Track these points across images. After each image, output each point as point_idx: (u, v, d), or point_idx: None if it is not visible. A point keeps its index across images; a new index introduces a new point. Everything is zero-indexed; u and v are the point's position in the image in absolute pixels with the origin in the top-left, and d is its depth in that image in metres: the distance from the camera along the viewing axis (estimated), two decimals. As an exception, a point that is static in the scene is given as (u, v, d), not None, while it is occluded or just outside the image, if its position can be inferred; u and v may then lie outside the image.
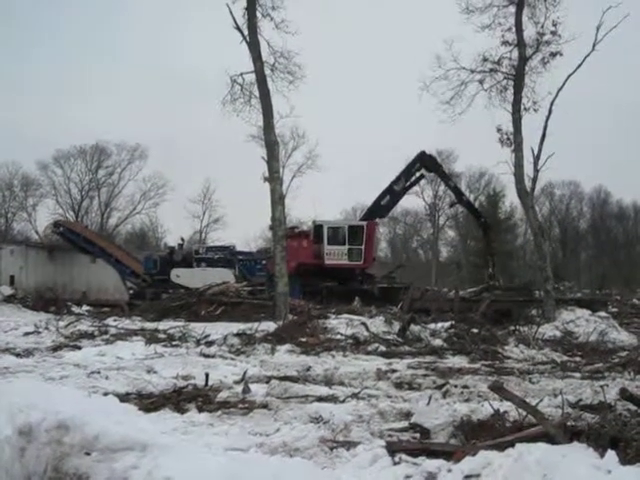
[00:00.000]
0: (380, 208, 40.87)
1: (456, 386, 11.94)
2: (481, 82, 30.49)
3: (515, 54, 29.83)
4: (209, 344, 19.35)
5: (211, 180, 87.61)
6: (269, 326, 22.62)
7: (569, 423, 7.57)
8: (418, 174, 41.08)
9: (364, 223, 40.16)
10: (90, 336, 21.07)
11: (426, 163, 40.54)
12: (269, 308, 29.28)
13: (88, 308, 37.27)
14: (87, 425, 5.98)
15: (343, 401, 10.54)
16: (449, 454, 6.94)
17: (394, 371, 14.72)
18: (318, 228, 40.57)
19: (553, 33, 29.45)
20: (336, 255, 39.47)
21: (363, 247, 39.77)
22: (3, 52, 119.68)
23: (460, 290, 33.11)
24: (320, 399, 10.66)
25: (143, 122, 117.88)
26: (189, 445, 6.88)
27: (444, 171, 42.68)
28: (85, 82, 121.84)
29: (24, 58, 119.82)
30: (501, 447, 6.61)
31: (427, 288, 44.62)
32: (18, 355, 16.32)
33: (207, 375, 12.00)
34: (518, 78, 29.40)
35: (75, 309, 36.06)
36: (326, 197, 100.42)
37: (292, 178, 77.39)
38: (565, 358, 17.82)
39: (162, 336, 20.94)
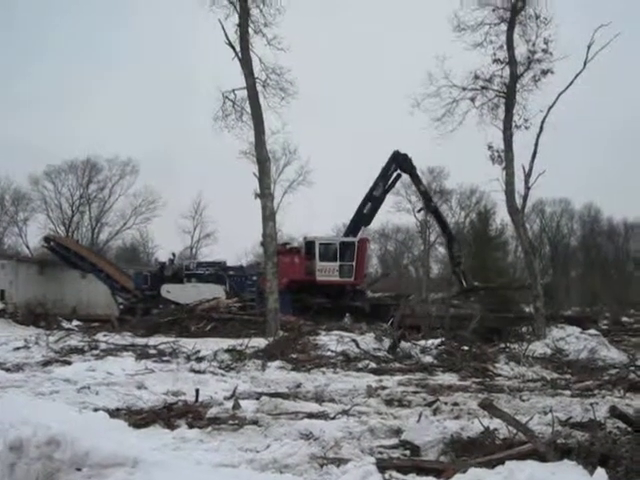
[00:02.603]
0: (363, 216, 40.83)
1: (446, 403, 11.94)
2: (472, 99, 30.58)
3: (506, 72, 29.94)
4: (199, 360, 19.31)
5: (202, 195, 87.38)
6: (260, 342, 22.62)
7: (559, 441, 7.59)
8: (395, 175, 41.08)
9: (355, 239, 40.14)
10: (80, 351, 21.02)
11: (400, 163, 40.45)
12: (260, 324, 29.28)
13: (78, 323, 37.16)
14: (78, 441, 5.98)
15: (333, 418, 10.52)
16: (439, 471, 6.95)
17: (384, 388, 14.73)
18: (309, 244, 40.55)
19: (544, 51, 29.58)
20: (328, 271, 39.44)
21: (354, 263, 39.75)
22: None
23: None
24: (310, 416, 10.64)
25: (134, 137, 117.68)
26: (179, 461, 6.88)
27: (417, 173, 42.09)
28: (77, 97, 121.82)
29: (15, 74, 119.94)
30: (491, 464, 6.63)
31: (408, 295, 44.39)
32: (8, 370, 16.26)
33: (197, 391, 12.00)
34: (509, 96, 29.50)
35: (65, 324, 35.96)
36: (318, 213, 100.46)
37: (283, 194, 77.14)
38: (555, 376, 17.84)
39: (152, 352, 20.90)
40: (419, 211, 47.43)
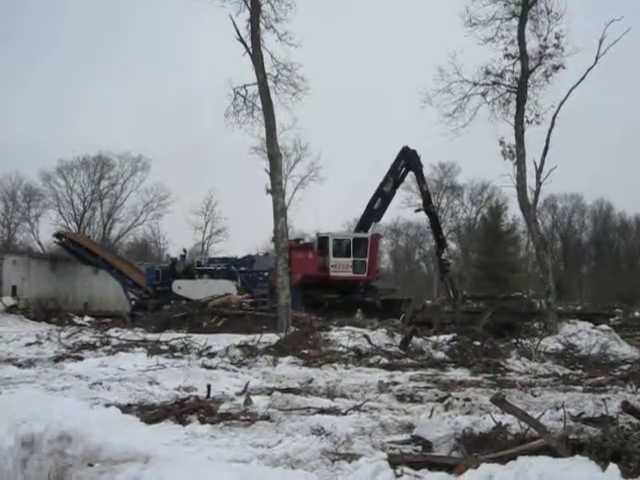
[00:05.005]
0: (374, 212, 40.84)
1: (458, 399, 11.90)
2: (484, 95, 30.45)
3: (518, 67, 29.81)
4: (211, 356, 19.35)
5: (213, 191, 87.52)
6: (271, 338, 22.62)
7: (571, 436, 7.55)
8: (404, 170, 41.09)
9: (368, 235, 40.16)
10: (92, 347, 21.07)
11: (409, 159, 40.67)
12: (271, 320, 29.29)
13: (90, 319, 37.43)
14: (90, 436, 5.99)
15: (345, 413, 10.51)
16: (451, 467, 6.92)
17: (396, 383, 14.71)
18: (323, 240, 40.58)
19: (556, 46, 29.44)
20: (341, 267, 39.49)
21: (367, 259, 39.78)
22: (6, 63, 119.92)
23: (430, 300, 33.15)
24: (322, 411, 10.62)
25: (146, 133, 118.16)
26: (191, 457, 6.89)
27: (423, 172, 42.14)
28: (89, 93, 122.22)
29: (27, 69, 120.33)
30: (503, 460, 6.60)
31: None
32: (20, 366, 16.33)
33: (209, 387, 11.99)
34: (521, 91, 29.39)
35: (77, 320, 36.21)
36: (328, 209, 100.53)
37: (295, 190, 77.28)
38: (567, 371, 17.78)
39: (164, 347, 20.90)
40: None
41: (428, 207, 42.43)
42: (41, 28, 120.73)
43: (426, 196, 42.57)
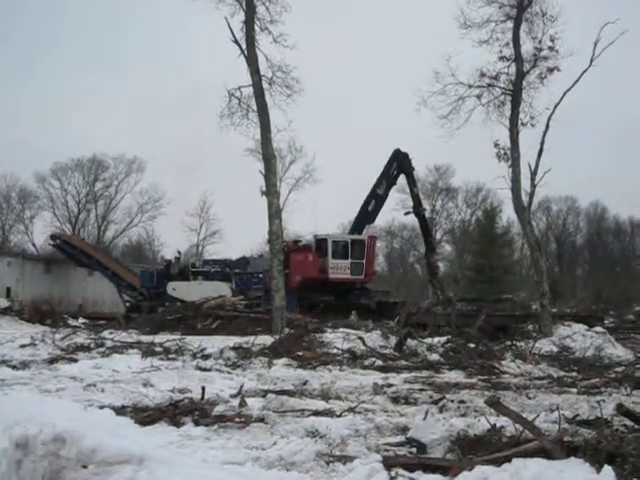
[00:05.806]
0: (367, 214, 40.76)
1: (453, 401, 11.90)
2: (479, 97, 30.48)
3: (513, 69, 29.85)
4: (205, 357, 19.32)
5: (208, 193, 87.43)
6: (266, 340, 22.60)
7: (566, 438, 7.56)
8: (396, 173, 41.08)
9: (365, 237, 40.13)
10: (86, 349, 21.00)
11: (401, 162, 40.61)
12: (266, 322, 29.23)
13: (84, 321, 37.32)
14: (84, 438, 5.98)
15: (340, 415, 10.49)
16: (446, 469, 6.92)
17: (391, 385, 14.69)
18: (321, 242, 40.50)
19: (551, 48, 29.47)
20: (340, 269, 39.45)
21: (364, 261, 39.78)
22: (2, 65, 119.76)
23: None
24: (317, 413, 10.60)
25: (141, 135, 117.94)
26: (185, 459, 6.87)
27: (414, 174, 42.05)
28: (84, 95, 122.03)
29: (23, 71, 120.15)
30: (498, 462, 6.61)
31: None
32: (14, 367, 16.27)
33: (203, 389, 11.97)
34: (515, 93, 29.42)
35: (71, 322, 36.12)
36: (323, 211, 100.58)
37: (289, 192, 77.30)
38: (562, 373, 17.78)
39: (158, 349, 20.86)
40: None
41: (418, 210, 42.35)
42: (41, 28, 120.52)
43: (416, 199, 42.43)
